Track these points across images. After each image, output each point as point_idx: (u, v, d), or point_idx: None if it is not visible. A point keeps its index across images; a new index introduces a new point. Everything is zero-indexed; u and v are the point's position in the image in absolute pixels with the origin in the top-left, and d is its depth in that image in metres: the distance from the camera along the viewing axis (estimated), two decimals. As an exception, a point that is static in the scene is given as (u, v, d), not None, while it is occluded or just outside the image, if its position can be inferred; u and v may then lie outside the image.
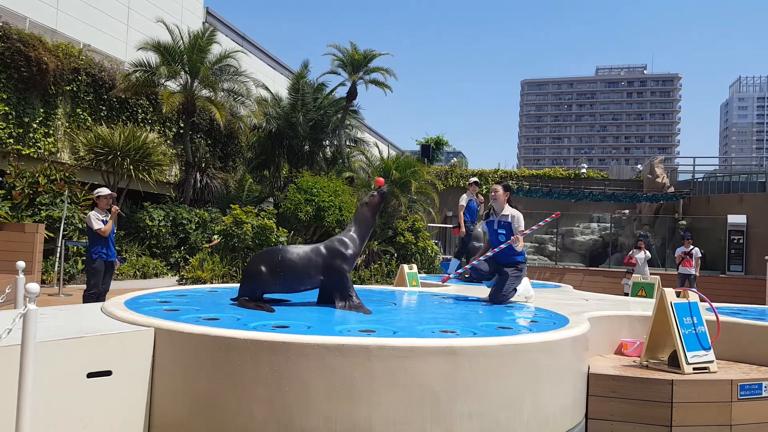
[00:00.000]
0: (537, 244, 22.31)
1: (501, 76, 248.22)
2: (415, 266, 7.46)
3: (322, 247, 4.12)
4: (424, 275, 9.39)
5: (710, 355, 3.87)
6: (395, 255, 14.22)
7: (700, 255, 13.26)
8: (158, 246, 13.77)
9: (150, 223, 13.54)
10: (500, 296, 5.04)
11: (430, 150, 25.92)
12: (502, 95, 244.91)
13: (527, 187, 21.46)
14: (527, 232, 5.12)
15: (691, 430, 3.58)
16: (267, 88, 18.86)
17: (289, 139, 17.93)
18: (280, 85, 22.57)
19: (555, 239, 21.42)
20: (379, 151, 18.92)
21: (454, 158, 35.31)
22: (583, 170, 25.03)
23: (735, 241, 17.77)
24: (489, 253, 5.22)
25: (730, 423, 3.65)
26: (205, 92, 15.86)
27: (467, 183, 9.36)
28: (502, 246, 5.07)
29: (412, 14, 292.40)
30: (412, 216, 15.61)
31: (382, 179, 4.95)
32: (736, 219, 17.90)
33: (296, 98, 17.95)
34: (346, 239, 4.17)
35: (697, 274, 13.17)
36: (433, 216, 18.22)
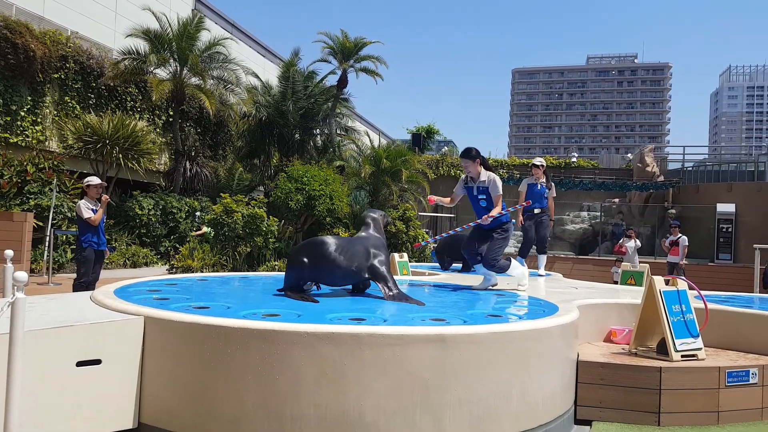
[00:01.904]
0: (528, 233, 22.38)
1: (492, 64, 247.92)
2: (405, 255, 7.48)
3: (367, 247, 4.17)
4: (415, 264, 9.42)
5: (698, 342, 3.91)
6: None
7: (687, 243, 13.36)
8: (148, 235, 13.68)
9: (140, 212, 13.44)
10: (490, 261, 4.89)
11: (421, 139, 25.86)
12: (493, 84, 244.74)
13: (518, 175, 21.52)
14: (503, 212, 4.91)
15: (679, 416, 3.63)
16: (257, 76, 18.69)
17: (279, 127, 17.81)
18: (270, 73, 22.36)
19: (546, 228, 21.48)
20: (370, 140, 18.87)
21: (445, 147, 35.24)
22: (574, 159, 25.11)
23: (724, 229, 17.96)
24: (472, 224, 5.08)
25: (717, 409, 3.70)
26: (194, 80, 15.69)
27: (529, 167, 7.88)
28: (477, 222, 4.96)
29: (403, 2, 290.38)
30: (402, 205, 15.61)
31: (432, 198, 5.27)
32: (725, 208, 18.07)
33: (286, 86, 17.80)
34: (382, 240, 4.33)
35: (683, 263, 13.28)
36: (423, 205, 18.22)
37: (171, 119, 16.54)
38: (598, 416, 3.67)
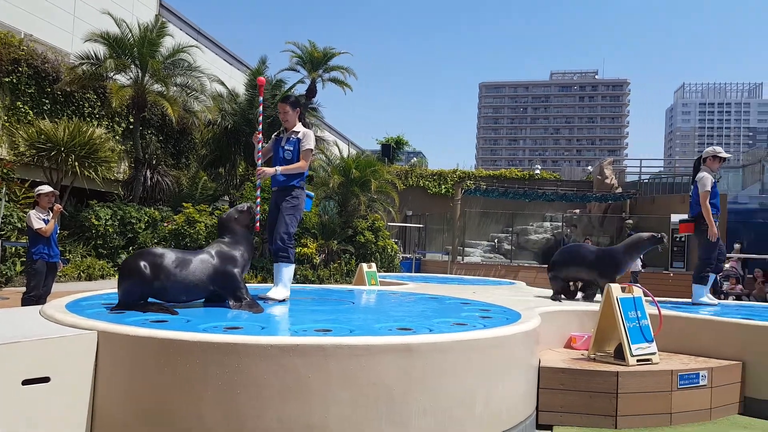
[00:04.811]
0: (493, 243, 22.76)
1: (460, 78, 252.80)
2: (374, 265, 7.46)
3: (211, 254, 3.86)
4: (383, 274, 9.42)
5: (653, 347, 4.03)
6: (355, 254, 14.20)
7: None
8: (105, 246, 13.23)
9: (96, 223, 13.00)
10: (279, 243, 4.30)
11: (391, 149, 26.00)
12: (461, 97, 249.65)
13: (484, 187, 21.86)
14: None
15: (634, 419, 3.73)
16: (223, 84, 18.45)
17: (245, 135, 17.58)
18: (236, 81, 22.10)
19: (510, 238, 21.90)
20: (339, 150, 18.84)
21: (414, 158, 35.54)
22: (537, 171, 25.71)
23: (678, 239, 18.64)
24: (277, 169, 4.41)
25: (670, 411, 3.82)
26: (156, 87, 15.35)
27: (705, 155, 5.97)
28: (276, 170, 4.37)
29: (372, 15, 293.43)
30: (372, 215, 15.63)
31: (262, 79, 4.77)
32: (679, 218, 18.74)
33: (253, 94, 17.62)
34: (234, 244, 3.97)
35: (641, 270, 13.84)
36: (393, 215, 18.30)
37: (131, 126, 16.11)
38: (559, 421, 3.73)
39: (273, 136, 4.71)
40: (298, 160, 4.43)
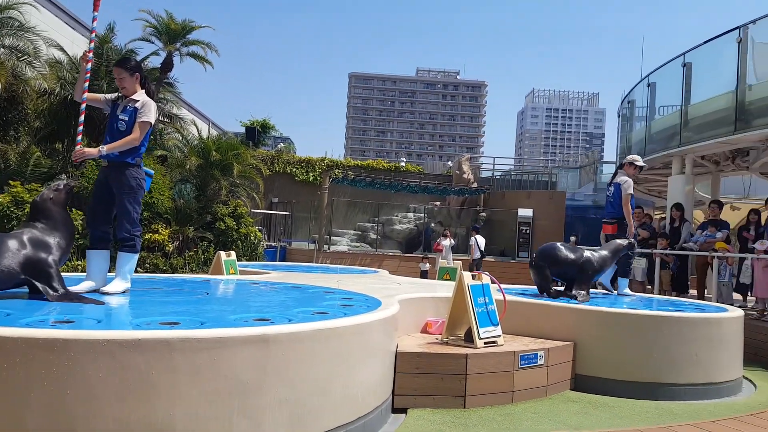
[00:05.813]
0: (360, 232, 23.21)
1: (332, 66, 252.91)
2: (233, 253, 7.15)
3: (21, 240, 3.36)
4: (245, 263, 9.07)
5: (498, 330, 4.38)
6: (214, 242, 13.48)
7: (477, 243, 15.61)
8: None
9: None
10: (122, 233, 3.87)
11: (256, 133, 25.06)
12: (331, 85, 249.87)
13: (352, 176, 22.14)
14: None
15: (481, 398, 4.01)
16: (63, 50, 16.25)
17: (88, 108, 15.68)
18: (79, 47, 19.56)
19: (376, 228, 22.51)
20: (198, 130, 17.69)
21: (282, 143, 34.68)
22: (402, 163, 26.72)
23: (523, 231, 20.71)
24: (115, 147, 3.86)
25: (512, 389, 4.18)
26: (-23, 45, 13.08)
27: (624, 161, 6.48)
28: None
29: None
30: (234, 201, 14.96)
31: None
32: (525, 212, 20.88)
33: (99, 64, 15.75)
34: (48, 228, 3.52)
35: (473, 258, 15.50)
36: (257, 201, 17.72)
37: (-58, 89, 13.50)
38: (413, 403, 3.88)
39: (109, 96, 4.17)
40: (131, 133, 3.89)
